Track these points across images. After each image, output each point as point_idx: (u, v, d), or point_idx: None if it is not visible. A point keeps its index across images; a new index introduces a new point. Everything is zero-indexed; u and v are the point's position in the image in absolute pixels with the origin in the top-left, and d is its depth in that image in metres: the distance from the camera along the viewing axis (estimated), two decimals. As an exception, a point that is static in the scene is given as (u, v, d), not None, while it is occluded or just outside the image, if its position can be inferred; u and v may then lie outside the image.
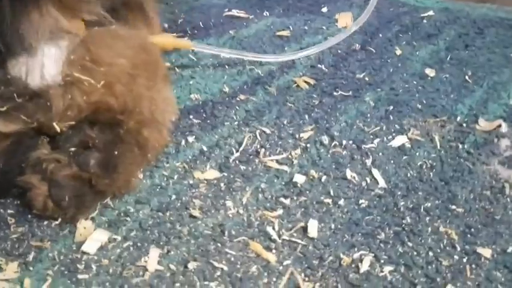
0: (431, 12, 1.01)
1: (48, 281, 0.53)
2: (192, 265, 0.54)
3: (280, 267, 0.54)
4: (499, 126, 0.72)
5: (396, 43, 0.93)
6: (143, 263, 0.55)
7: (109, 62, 0.63)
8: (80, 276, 0.53)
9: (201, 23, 0.99)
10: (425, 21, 0.99)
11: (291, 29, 0.98)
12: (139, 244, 0.57)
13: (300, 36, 0.95)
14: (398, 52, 0.90)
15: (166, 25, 0.98)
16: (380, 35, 0.95)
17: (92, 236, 0.57)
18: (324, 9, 1.06)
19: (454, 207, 0.62)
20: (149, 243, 0.57)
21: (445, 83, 0.83)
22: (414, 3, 1.07)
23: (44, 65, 0.59)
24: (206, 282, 0.53)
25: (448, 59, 0.88)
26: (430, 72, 0.85)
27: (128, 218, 0.60)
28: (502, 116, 0.76)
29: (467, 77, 0.84)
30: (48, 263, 0.54)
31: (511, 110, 0.77)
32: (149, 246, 0.57)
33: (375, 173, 0.66)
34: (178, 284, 0.53)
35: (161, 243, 0.57)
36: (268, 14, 1.06)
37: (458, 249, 0.56)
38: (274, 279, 0.53)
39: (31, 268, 0.54)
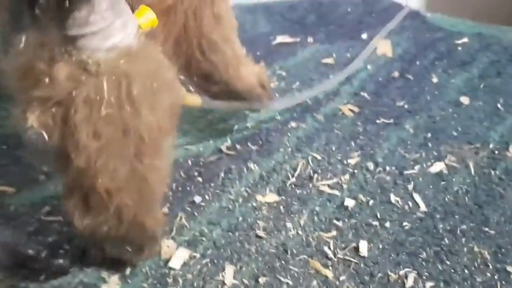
0: (465, 39, 1.09)
1: (145, 292, 0.64)
2: (262, 280, 0.65)
3: (337, 283, 0.64)
4: (529, 153, 0.81)
5: (432, 70, 1.01)
6: (221, 278, 0.65)
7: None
8: (170, 289, 0.64)
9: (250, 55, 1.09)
10: (459, 48, 1.07)
11: (335, 56, 1.08)
12: (215, 261, 0.67)
13: (343, 64, 1.04)
14: (435, 80, 0.99)
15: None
16: (417, 63, 1.04)
17: (176, 254, 0.68)
18: (364, 36, 1.14)
19: (486, 229, 0.70)
20: (223, 260, 0.68)
21: (479, 110, 0.91)
22: (449, 27, 1.15)
23: None
24: (275, 295, 0.63)
25: (482, 86, 0.96)
26: (465, 100, 0.93)
27: (203, 238, 0.71)
28: (531, 142, 0.84)
29: (499, 105, 0.92)
30: (142, 277, 0.65)
31: (540, 137, 0.85)
32: (224, 263, 0.67)
33: (416, 197, 0.75)
34: (252, 296, 0.63)
35: (234, 260, 0.67)
36: (312, 40, 1.15)
37: (491, 267, 0.65)
38: (333, 293, 0.63)
39: (129, 281, 0.65)
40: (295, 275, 0.65)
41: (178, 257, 0.68)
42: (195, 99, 0.75)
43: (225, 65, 0.82)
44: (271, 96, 0.90)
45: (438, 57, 1.05)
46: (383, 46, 1.08)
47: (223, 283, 0.65)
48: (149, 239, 0.65)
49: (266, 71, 0.91)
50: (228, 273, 0.66)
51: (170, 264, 0.67)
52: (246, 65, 0.85)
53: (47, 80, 0.53)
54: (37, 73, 0.53)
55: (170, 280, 0.65)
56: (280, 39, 1.15)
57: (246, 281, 0.65)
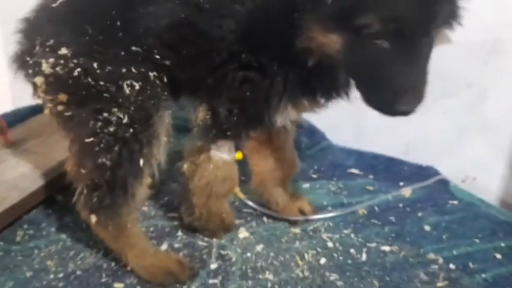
0: (455, 202, 1.77)
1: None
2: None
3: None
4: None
5: (421, 210, 1.72)
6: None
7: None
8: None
9: (330, 174, 1.93)
10: (448, 205, 1.76)
11: (376, 186, 1.85)
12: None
13: (374, 193, 1.80)
14: (419, 214, 1.70)
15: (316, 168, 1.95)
16: (419, 205, 1.76)
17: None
18: (401, 183, 1.90)
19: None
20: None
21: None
22: (456, 194, 1.83)
23: None
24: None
25: (443, 228, 1.64)
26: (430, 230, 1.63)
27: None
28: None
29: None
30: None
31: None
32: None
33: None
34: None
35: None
36: (372, 177, 1.94)
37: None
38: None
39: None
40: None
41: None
42: (239, 194, 1.68)
43: None
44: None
45: (432, 204, 1.75)
46: (406, 191, 1.82)
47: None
48: (218, 229, 1.54)
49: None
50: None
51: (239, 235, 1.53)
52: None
53: (196, 156, 1.46)
54: (195, 153, 1.46)
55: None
56: (353, 170, 1.97)
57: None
